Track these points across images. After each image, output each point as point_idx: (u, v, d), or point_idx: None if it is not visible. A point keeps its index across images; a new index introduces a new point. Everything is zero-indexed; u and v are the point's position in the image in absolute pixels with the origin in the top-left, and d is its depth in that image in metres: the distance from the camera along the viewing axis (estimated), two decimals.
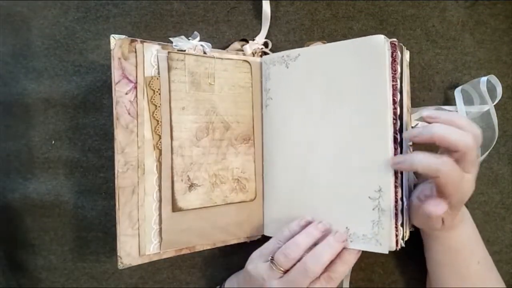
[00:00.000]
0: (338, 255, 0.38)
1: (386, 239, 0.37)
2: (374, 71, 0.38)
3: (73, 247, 0.49)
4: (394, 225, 0.37)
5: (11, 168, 0.49)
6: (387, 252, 0.37)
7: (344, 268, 0.38)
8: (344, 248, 0.38)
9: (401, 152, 0.38)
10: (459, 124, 0.34)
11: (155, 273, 0.49)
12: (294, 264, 0.37)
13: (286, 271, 0.37)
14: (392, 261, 0.49)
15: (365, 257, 0.49)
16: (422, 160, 0.34)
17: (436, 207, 0.35)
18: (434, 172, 0.34)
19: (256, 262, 0.40)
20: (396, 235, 0.37)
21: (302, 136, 0.43)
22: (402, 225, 0.38)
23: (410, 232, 0.41)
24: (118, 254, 0.38)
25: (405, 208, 0.39)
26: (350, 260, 0.38)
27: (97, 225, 0.49)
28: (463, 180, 0.35)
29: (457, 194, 0.35)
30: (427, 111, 0.36)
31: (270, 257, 0.38)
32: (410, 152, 0.41)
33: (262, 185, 0.46)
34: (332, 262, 0.37)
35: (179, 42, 0.42)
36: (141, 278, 0.49)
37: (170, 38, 0.42)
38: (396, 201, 0.37)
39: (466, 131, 0.34)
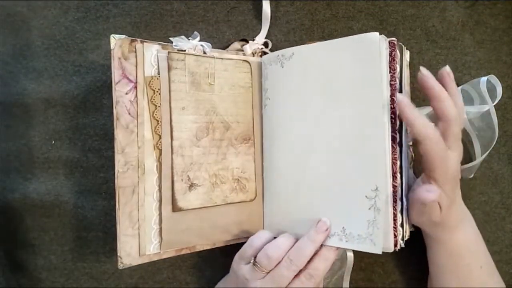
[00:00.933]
0: (317, 252, 0.38)
1: (380, 239, 0.36)
2: (369, 69, 0.37)
3: (73, 247, 0.49)
4: (392, 225, 0.37)
5: (11, 168, 0.49)
6: (380, 253, 0.36)
7: (324, 265, 0.38)
8: (322, 245, 0.39)
9: (400, 152, 0.38)
10: (456, 99, 0.38)
11: (155, 273, 0.49)
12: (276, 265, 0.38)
13: (268, 272, 0.38)
14: (392, 261, 0.49)
15: (365, 257, 0.49)
16: (418, 118, 0.36)
17: (428, 193, 0.36)
18: (422, 135, 0.35)
19: (239, 263, 0.40)
20: (395, 236, 0.37)
21: (300, 136, 0.42)
22: (401, 225, 0.38)
23: (410, 232, 0.41)
24: (118, 254, 0.38)
25: (405, 208, 0.39)
26: (329, 256, 0.38)
27: (97, 225, 0.49)
28: (447, 156, 0.36)
29: (442, 168, 0.36)
30: (425, 70, 0.38)
31: (253, 259, 0.39)
32: (410, 152, 0.41)
33: (262, 185, 0.46)
34: (311, 259, 0.38)
35: (179, 42, 0.42)
36: (141, 278, 0.49)
37: (170, 38, 0.42)
38: (395, 201, 0.37)
39: (458, 107, 0.37)
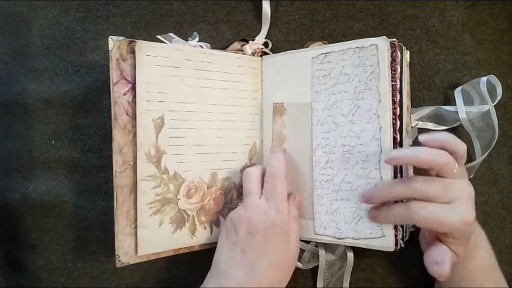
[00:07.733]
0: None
1: (390, 237, 0.37)
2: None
3: (73, 247, 0.49)
4: (392, 225, 0.37)
5: (11, 168, 0.49)
6: (393, 250, 0.37)
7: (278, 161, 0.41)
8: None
9: None
10: (450, 144, 0.34)
11: (155, 273, 0.49)
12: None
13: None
14: (392, 261, 0.49)
15: (365, 257, 0.49)
16: (394, 215, 0.35)
17: (438, 266, 0.34)
18: (418, 223, 0.34)
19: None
20: (396, 236, 0.37)
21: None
22: (401, 225, 0.38)
23: (410, 232, 0.41)
24: (116, 252, 0.38)
25: None
26: (280, 156, 0.41)
27: (97, 225, 0.49)
28: (445, 213, 0.33)
29: (451, 231, 0.34)
30: (423, 136, 0.34)
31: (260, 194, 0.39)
32: None
33: None
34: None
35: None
36: (141, 278, 0.49)
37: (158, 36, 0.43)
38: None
39: (454, 150, 0.34)
